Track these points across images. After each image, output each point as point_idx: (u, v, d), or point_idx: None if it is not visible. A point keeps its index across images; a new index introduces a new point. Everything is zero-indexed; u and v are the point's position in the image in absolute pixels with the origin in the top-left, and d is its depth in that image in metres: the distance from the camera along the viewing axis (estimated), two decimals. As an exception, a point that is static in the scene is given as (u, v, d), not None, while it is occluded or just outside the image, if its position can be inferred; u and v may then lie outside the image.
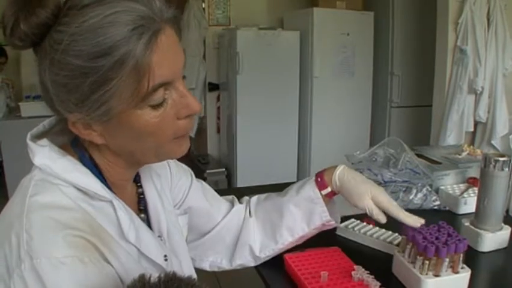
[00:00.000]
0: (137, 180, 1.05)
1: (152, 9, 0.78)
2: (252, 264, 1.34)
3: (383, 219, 1.23)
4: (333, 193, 1.30)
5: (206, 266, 1.35)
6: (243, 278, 1.62)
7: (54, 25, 0.76)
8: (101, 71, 0.75)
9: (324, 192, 1.29)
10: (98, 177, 0.89)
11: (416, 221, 1.20)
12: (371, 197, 1.23)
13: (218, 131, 5.81)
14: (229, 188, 5.05)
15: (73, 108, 0.80)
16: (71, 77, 0.76)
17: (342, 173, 1.27)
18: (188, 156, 5.75)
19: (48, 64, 0.77)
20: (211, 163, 5.49)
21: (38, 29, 0.76)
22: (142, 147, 0.88)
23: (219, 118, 5.76)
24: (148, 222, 1.03)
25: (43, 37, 0.77)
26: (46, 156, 0.86)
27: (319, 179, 1.30)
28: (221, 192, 1.41)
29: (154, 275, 0.72)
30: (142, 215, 1.02)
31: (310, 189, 1.30)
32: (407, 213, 1.22)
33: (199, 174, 4.99)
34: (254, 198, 1.40)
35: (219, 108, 5.74)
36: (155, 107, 0.82)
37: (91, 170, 0.88)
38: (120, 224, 0.88)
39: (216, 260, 1.34)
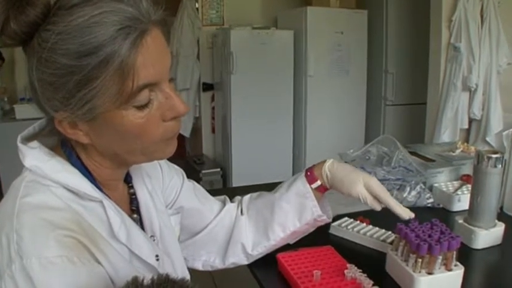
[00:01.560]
0: (128, 180, 1.05)
1: (140, 11, 0.79)
2: (245, 262, 1.34)
3: (377, 207, 1.23)
4: (324, 188, 1.29)
5: (199, 266, 1.34)
6: (237, 278, 1.62)
7: (43, 24, 0.77)
8: (86, 69, 0.75)
9: (314, 185, 1.28)
10: (87, 177, 0.89)
11: (406, 213, 1.19)
12: (363, 184, 1.23)
13: (213, 131, 5.80)
14: (224, 187, 5.05)
15: (58, 106, 0.80)
16: (57, 75, 0.76)
17: (331, 165, 1.28)
18: (183, 157, 5.75)
19: (35, 62, 0.78)
20: (206, 163, 5.47)
21: (28, 28, 0.77)
22: (128, 148, 0.88)
23: (213, 118, 5.74)
24: (140, 222, 1.03)
25: (32, 36, 0.78)
26: (36, 158, 0.87)
27: (308, 173, 1.30)
28: (216, 192, 1.42)
29: (147, 277, 0.72)
30: (135, 216, 1.02)
31: (300, 184, 1.30)
32: (398, 203, 1.21)
33: (194, 174, 5.00)
34: (246, 196, 1.40)
35: (213, 108, 5.73)
36: (140, 107, 0.83)
37: (80, 170, 0.89)
38: (110, 223, 0.89)
39: (209, 259, 1.34)
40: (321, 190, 1.29)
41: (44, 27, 0.76)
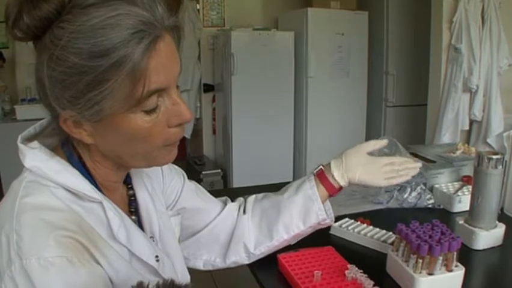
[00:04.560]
0: (128, 182, 1.05)
1: (155, 16, 0.79)
2: (246, 261, 1.34)
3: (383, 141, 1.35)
4: (331, 186, 1.31)
5: (200, 265, 1.35)
6: (238, 278, 1.62)
7: (57, 21, 0.76)
8: (98, 71, 0.75)
9: (316, 170, 1.33)
10: (87, 178, 0.89)
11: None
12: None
13: (214, 132, 5.81)
14: (225, 188, 5.04)
15: (66, 105, 0.80)
16: (68, 74, 0.76)
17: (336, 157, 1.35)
18: (184, 158, 5.75)
19: (46, 59, 0.77)
20: (207, 164, 5.48)
21: (40, 23, 0.76)
22: (131, 151, 0.88)
23: (214, 119, 5.75)
24: (139, 223, 1.03)
25: (45, 31, 0.78)
26: (36, 158, 0.87)
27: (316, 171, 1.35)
28: (217, 193, 1.42)
29: (152, 282, 0.72)
30: (134, 217, 1.02)
31: (308, 187, 1.31)
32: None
33: (195, 175, 5.00)
34: (251, 197, 1.41)
35: (214, 109, 5.73)
36: (148, 112, 0.83)
37: (80, 171, 0.89)
38: (110, 224, 0.88)
39: (210, 259, 1.34)
40: (329, 188, 1.31)
41: (58, 24, 0.76)
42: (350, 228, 1.54)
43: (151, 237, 1.03)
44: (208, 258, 1.34)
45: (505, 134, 1.76)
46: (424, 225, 1.21)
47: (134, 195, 1.05)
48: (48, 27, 0.77)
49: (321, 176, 1.32)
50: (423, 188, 1.82)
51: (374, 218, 1.58)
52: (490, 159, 1.41)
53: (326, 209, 1.33)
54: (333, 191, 1.31)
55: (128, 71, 0.76)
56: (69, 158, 0.90)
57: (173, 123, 0.87)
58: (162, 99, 0.84)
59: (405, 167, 1.33)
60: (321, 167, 1.33)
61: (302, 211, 1.31)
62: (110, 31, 0.74)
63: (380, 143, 1.35)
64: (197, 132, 5.79)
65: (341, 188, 1.32)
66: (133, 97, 0.79)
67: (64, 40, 0.75)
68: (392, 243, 1.38)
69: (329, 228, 1.53)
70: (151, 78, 0.79)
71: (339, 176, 1.30)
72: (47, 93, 0.81)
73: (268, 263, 1.34)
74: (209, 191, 1.38)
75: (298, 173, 5.33)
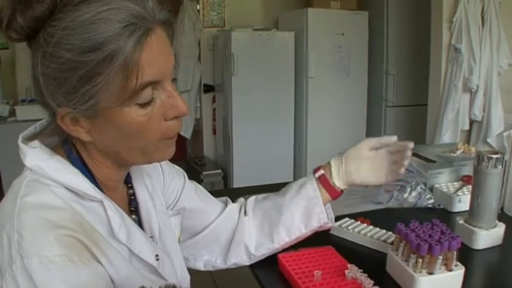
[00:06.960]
0: (128, 181, 1.05)
1: (145, 9, 0.80)
2: (247, 263, 1.34)
3: (393, 138, 1.33)
4: (333, 190, 1.31)
5: (200, 266, 1.34)
6: (238, 278, 1.62)
7: (49, 19, 0.77)
8: (91, 65, 0.76)
9: (318, 174, 1.32)
10: (88, 177, 0.90)
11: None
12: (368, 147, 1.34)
13: (214, 132, 5.80)
14: (225, 188, 5.04)
15: (61, 101, 0.81)
16: (61, 70, 0.77)
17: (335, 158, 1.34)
18: (184, 158, 5.75)
19: (40, 57, 0.78)
20: (208, 165, 5.48)
21: (34, 23, 0.78)
22: (128, 146, 0.88)
23: (214, 120, 5.75)
24: (139, 223, 1.03)
25: (38, 31, 0.79)
26: (37, 157, 0.87)
27: (315, 170, 1.34)
28: (217, 193, 1.41)
29: (154, 286, 0.72)
30: (133, 216, 1.02)
31: (310, 189, 1.31)
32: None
33: (196, 175, 5.00)
34: (252, 198, 1.40)
35: (214, 109, 5.73)
36: (143, 105, 0.83)
37: (80, 170, 0.89)
38: (110, 223, 0.89)
39: (211, 259, 1.34)
40: (331, 191, 1.31)
41: (50, 22, 0.77)
42: (350, 228, 1.54)
43: (150, 236, 1.03)
44: (209, 259, 1.34)
45: (505, 134, 1.76)
46: (424, 225, 1.21)
47: (134, 194, 1.05)
48: (41, 27, 0.78)
49: (323, 180, 1.31)
50: (423, 187, 1.81)
51: (374, 217, 1.58)
52: (489, 158, 1.41)
53: (327, 212, 1.33)
54: (335, 194, 1.32)
55: (120, 64, 0.77)
56: (69, 156, 0.91)
57: (170, 116, 0.88)
58: (157, 92, 0.85)
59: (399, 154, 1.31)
60: (322, 171, 1.32)
61: (304, 214, 1.31)
62: (101, 25, 0.75)
63: (385, 141, 1.34)
64: (197, 132, 5.78)
65: (342, 191, 1.32)
66: (126, 90, 0.80)
67: (56, 37, 0.76)
68: (392, 243, 1.38)
69: (329, 228, 1.53)
70: (143, 70, 0.79)
71: (340, 181, 1.30)
72: (42, 90, 0.82)
73: (268, 263, 1.34)
74: (209, 192, 1.38)
75: (298, 173, 5.33)
